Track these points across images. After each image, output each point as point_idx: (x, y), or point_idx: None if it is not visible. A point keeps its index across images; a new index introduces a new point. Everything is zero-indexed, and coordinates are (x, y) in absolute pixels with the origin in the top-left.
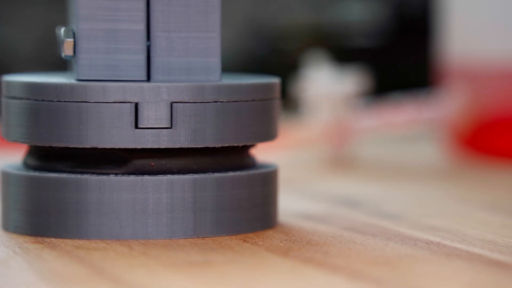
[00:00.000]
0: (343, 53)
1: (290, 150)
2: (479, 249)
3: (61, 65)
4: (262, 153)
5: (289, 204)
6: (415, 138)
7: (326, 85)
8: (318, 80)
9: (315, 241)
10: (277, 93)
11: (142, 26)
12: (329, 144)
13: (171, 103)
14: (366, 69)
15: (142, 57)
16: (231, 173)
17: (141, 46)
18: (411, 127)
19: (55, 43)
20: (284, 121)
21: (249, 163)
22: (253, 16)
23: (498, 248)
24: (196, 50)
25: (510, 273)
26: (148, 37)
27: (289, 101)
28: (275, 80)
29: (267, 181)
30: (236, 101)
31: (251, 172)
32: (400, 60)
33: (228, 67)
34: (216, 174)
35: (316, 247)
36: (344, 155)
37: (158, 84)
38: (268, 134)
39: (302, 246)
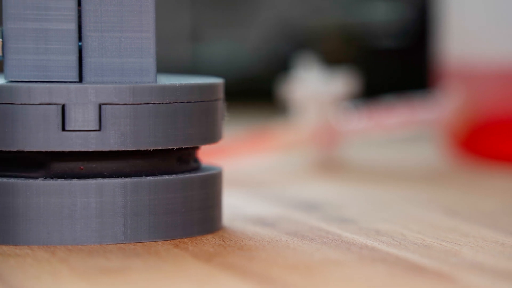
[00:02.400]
0: (371, 54)
1: (277, 152)
2: (410, 253)
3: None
4: (248, 155)
5: (245, 207)
6: (410, 140)
7: (314, 86)
8: (306, 82)
9: (248, 246)
10: (218, 94)
11: (73, 26)
12: (318, 146)
13: (100, 105)
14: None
15: (74, 58)
16: (165, 177)
17: (72, 47)
18: (405, 129)
19: None
20: (272, 123)
21: (188, 166)
22: (282, 17)
23: (430, 253)
24: (129, 50)
25: (426, 279)
26: (80, 37)
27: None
28: (217, 81)
29: (207, 184)
30: (170, 103)
31: (187, 175)
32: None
33: (257, 68)
34: (149, 178)
35: (246, 252)
36: (333, 158)
37: (85, 85)
38: (207, 136)
39: (231, 252)
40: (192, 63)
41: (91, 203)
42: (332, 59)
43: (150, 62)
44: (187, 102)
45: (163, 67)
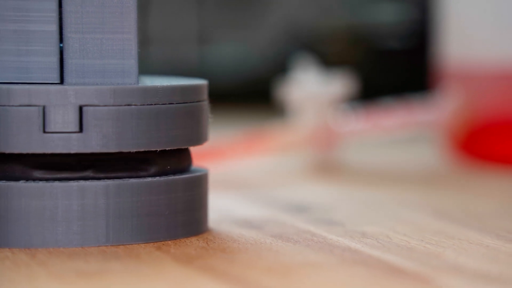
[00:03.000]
0: (378, 55)
1: (274, 154)
2: (393, 256)
3: None
4: (245, 157)
5: (234, 209)
6: (408, 141)
7: (312, 87)
8: (304, 83)
9: (231, 248)
10: (202, 96)
11: (54, 27)
12: (315, 148)
13: (80, 107)
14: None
15: (55, 59)
16: (148, 179)
17: (54, 48)
18: (403, 131)
19: None
20: (270, 124)
21: (173, 168)
22: (290, 18)
23: (412, 256)
24: (111, 52)
25: (405, 281)
26: (61, 39)
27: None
28: (200, 83)
29: (191, 186)
30: (152, 105)
31: (170, 177)
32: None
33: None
34: (132, 180)
35: (228, 254)
36: (330, 160)
37: (65, 87)
38: (191, 138)
39: (213, 254)
40: (199, 65)
41: (73, 205)
42: (338, 60)
43: (131, 63)
44: (169, 103)
45: (170, 69)
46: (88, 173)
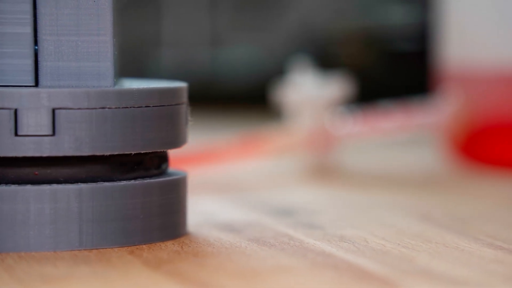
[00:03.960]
0: (393, 57)
1: (271, 157)
2: (366, 260)
3: None
4: (241, 160)
5: (218, 213)
6: (407, 144)
7: (308, 90)
8: (301, 85)
9: (205, 252)
10: (180, 99)
11: (28, 29)
12: (312, 151)
13: (53, 110)
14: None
15: (29, 62)
16: (122, 182)
17: (28, 50)
18: (401, 133)
19: None
20: (266, 127)
21: (149, 171)
22: (303, 20)
23: (385, 260)
24: (86, 54)
25: (371, 286)
26: (36, 41)
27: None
28: (178, 85)
29: (168, 190)
30: (127, 108)
31: (146, 181)
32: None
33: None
34: (105, 184)
35: (200, 259)
36: (326, 163)
37: (38, 89)
38: (168, 141)
39: (185, 258)
40: (212, 68)
41: (45, 209)
42: (352, 62)
43: (107, 66)
44: (146, 106)
45: (183, 73)
46: (62, 177)
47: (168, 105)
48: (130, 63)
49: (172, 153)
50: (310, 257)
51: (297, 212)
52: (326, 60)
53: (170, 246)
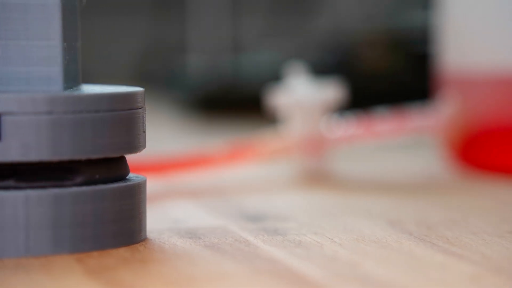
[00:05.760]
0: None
1: (263, 161)
2: (311, 266)
3: None
4: (232, 165)
5: (187, 220)
6: (404, 148)
7: (301, 94)
8: (294, 90)
9: (153, 259)
10: (133, 104)
11: None
12: (304, 155)
13: None
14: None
15: None
16: (72, 188)
17: None
18: (397, 137)
19: None
20: (259, 131)
21: (103, 177)
22: (329, 25)
23: (330, 266)
24: (35, 59)
25: None
26: None
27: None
28: (132, 90)
29: (123, 196)
30: (76, 113)
31: (97, 187)
32: None
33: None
34: (53, 190)
35: (147, 265)
36: (319, 168)
37: None
38: (122, 146)
39: (130, 266)
40: (234, 73)
41: None
42: (376, 66)
43: (57, 70)
44: (95, 112)
45: (206, 78)
46: (10, 183)
47: (120, 111)
48: (156, 70)
49: (169, 157)
50: (255, 264)
51: (266, 218)
52: (351, 65)
53: (121, 253)
